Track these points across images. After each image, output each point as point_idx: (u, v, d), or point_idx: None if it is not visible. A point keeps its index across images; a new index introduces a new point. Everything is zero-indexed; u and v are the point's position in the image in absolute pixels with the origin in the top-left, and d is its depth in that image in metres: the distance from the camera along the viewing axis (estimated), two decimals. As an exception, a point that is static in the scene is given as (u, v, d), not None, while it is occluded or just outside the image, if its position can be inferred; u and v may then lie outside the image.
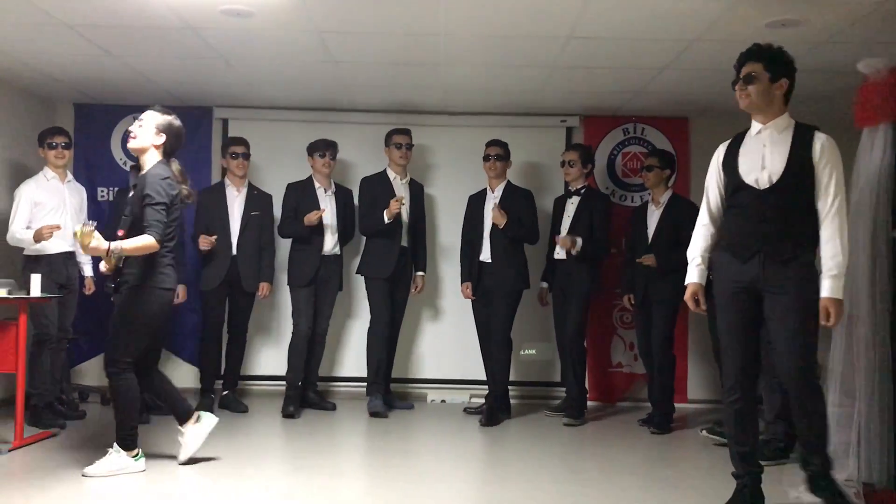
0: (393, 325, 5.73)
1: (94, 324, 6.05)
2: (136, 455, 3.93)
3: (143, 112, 6.15)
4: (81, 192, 5.39)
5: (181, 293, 5.50)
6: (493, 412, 5.39)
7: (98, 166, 6.26)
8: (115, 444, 3.89)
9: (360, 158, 6.20)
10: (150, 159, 3.98)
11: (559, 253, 5.50)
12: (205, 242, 5.38)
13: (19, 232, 4.93)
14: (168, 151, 4.02)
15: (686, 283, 3.53)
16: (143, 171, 3.93)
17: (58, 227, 4.88)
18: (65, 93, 5.96)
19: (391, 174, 5.67)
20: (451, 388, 6.26)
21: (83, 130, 6.25)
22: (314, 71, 5.18)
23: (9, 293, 4.39)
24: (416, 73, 5.17)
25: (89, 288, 5.43)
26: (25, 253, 5.02)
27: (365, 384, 5.68)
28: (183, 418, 4.11)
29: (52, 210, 5.07)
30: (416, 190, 5.82)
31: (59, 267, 5.08)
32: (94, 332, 6.07)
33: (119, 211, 5.30)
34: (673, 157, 5.66)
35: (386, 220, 5.40)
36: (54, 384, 5.13)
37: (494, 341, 5.46)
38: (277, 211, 5.75)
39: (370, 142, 6.07)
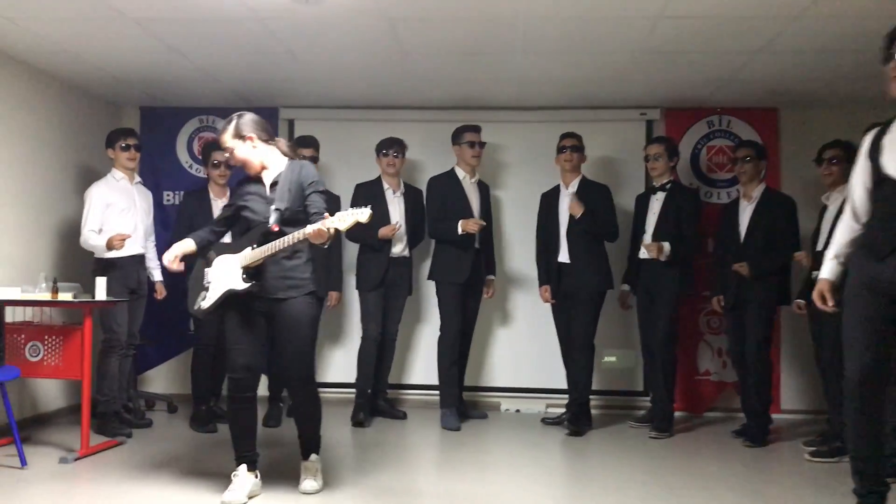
0: (465, 333, 5.47)
1: (162, 330, 5.96)
2: None
3: (208, 115, 6.29)
4: (148, 195, 5.28)
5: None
6: (578, 422, 5.08)
7: (164, 170, 6.17)
8: (313, 455, 3.68)
9: (428, 157, 5.97)
10: (271, 159, 3.61)
11: (645, 252, 5.17)
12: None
13: (92, 237, 4.82)
14: (266, 138, 3.60)
15: (819, 278, 3.24)
16: (283, 169, 3.58)
17: (128, 237, 4.77)
18: (131, 95, 5.88)
19: (460, 173, 5.42)
20: (526, 397, 5.96)
21: (149, 134, 6.15)
22: (383, 64, 4.96)
23: (74, 297, 4.28)
24: (490, 62, 4.90)
25: (160, 293, 5.30)
26: (96, 256, 4.91)
27: (436, 391, 5.42)
28: None
29: (123, 211, 4.96)
30: (484, 190, 5.56)
31: (131, 271, 4.96)
32: (162, 338, 5.98)
33: (190, 214, 5.21)
34: (764, 147, 5.27)
35: (459, 232, 5.15)
36: (121, 391, 5.01)
37: (577, 347, 5.16)
38: (346, 212, 5.54)
39: (439, 140, 5.83)
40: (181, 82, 5.46)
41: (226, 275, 3.50)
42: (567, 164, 5.26)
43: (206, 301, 3.53)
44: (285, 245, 3.35)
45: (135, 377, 5.63)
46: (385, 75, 5.23)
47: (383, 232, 5.20)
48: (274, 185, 3.56)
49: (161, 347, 6.06)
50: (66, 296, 4.25)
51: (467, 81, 5.36)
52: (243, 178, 3.73)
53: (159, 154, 6.18)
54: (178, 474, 3.92)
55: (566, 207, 5.20)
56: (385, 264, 5.32)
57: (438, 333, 5.35)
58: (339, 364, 6.02)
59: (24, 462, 3.94)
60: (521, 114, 6.01)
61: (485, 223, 5.29)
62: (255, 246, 3.44)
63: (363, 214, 3.23)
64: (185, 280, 3.73)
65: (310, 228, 3.24)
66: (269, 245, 3.39)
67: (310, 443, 3.69)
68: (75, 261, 5.22)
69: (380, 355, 5.42)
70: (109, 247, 4.72)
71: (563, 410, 5.38)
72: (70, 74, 5.30)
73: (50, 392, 5.22)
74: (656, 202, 5.21)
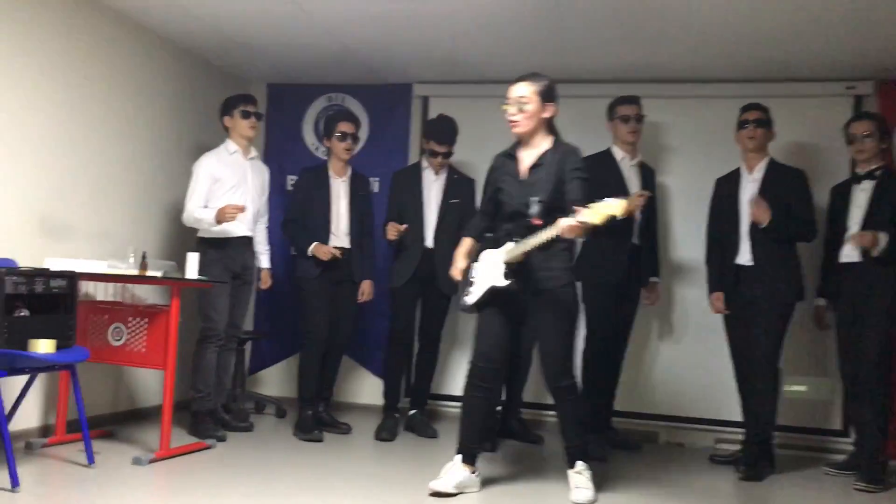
0: (618, 345, 4.58)
1: (279, 325, 5.46)
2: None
3: (337, 93, 5.76)
4: (264, 172, 4.74)
5: (367, 290, 4.71)
6: (756, 463, 4.05)
7: (289, 152, 5.67)
8: (580, 463, 3.44)
9: (577, 138, 5.04)
10: (540, 139, 3.43)
11: (849, 255, 4.09)
12: (392, 231, 4.54)
13: (197, 210, 4.31)
14: (554, 117, 3.43)
15: None
16: (546, 150, 3.41)
17: (242, 209, 4.21)
18: (259, 70, 5.45)
19: (617, 154, 4.55)
20: (689, 428, 4.96)
21: (275, 113, 5.73)
22: (529, 22, 4.21)
23: (163, 275, 3.75)
24: (660, 9, 3.99)
25: (265, 282, 4.77)
26: (199, 235, 4.41)
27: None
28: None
29: (233, 188, 4.43)
30: (647, 175, 4.65)
31: (236, 254, 4.43)
32: (278, 334, 5.47)
33: (305, 192, 4.65)
34: None
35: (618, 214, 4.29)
36: (220, 389, 4.47)
37: (757, 371, 4.14)
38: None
39: (591, 118, 4.98)
40: (307, 51, 4.95)
41: (489, 270, 3.37)
42: (750, 141, 4.28)
43: (471, 297, 3.43)
44: (539, 242, 3.18)
45: (244, 375, 5.11)
46: (531, 39, 4.46)
47: None
48: (535, 167, 3.38)
49: (276, 345, 5.55)
50: (155, 274, 3.74)
51: (631, 42, 4.49)
52: (501, 153, 3.58)
53: (285, 135, 5.72)
54: (262, 488, 3.29)
55: (748, 196, 4.22)
56: (523, 260, 4.53)
57: (584, 345, 4.48)
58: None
59: (90, 459, 3.42)
60: (693, 87, 5.07)
61: (650, 193, 4.43)
62: (517, 240, 3.29)
63: (617, 207, 2.96)
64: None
65: (563, 223, 3.05)
66: (526, 242, 3.23)
67: (574, 451, 3.45)
68: (182, 242, 4.74)
69: (514, 367, 4.62)
70: (220, 219, 4.18)
71: (737, 448, 4.38)
72: (198, 45, 4.96)
73: (152, 385, 4.75)
74: (861, 193, 4.14)
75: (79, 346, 3.44)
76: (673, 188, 5.10)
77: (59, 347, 3.25)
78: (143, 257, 3.77)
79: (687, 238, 5.00)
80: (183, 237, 4.70)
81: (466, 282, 3.50)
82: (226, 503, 3.05)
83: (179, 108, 5.03)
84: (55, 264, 3.57)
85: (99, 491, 3.11)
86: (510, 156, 3.49)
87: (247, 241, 4.52)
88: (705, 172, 4.75)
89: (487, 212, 3.60)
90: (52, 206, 3.98)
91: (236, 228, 4.39)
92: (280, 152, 5.66)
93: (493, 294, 3.36)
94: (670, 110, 5.06)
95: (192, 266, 3.83)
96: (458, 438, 3.47)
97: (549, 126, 3.45)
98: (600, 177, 4.43)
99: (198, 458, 3.76)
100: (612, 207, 2.96)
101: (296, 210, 4.67)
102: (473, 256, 3.53)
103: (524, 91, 3.36)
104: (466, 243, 3.59)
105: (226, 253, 4.37)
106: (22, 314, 3.19)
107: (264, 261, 4.73)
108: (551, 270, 3.34)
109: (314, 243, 4.50)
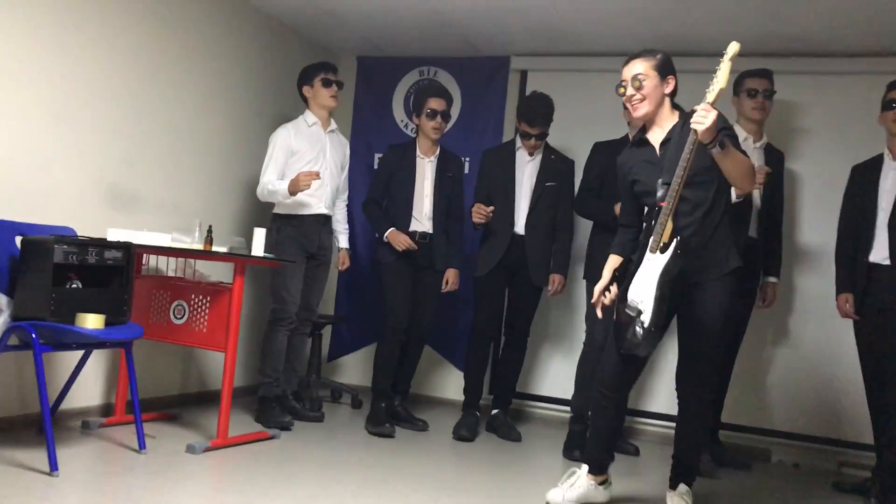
0: (728, 350, 4.06)
1: (361, 310, 5.19)
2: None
3: (430, 67, 5.41)
4: (344, 146, 4.47)
5: (451, 279, 4.35)
6: (889, 494, 3.49)
7: (377, 129, 5.38)
8: (683, 485, 3.10)
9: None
10: (665, 115, 2.99)
11: None
12: (478, 214, 4.17)
13: (272, 183, 4.06)
14: (675, 93, 3.00)
15: None
16: (675, 124, 2.96)
17: (317, 176, 3.93)
18: (350, 42, 5.17)
19: (740, 133, 4.01)
20: (808, 447, 4.39)
21: (364, 87, 5.44)
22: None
23: (230, 250, 3.50)
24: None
25: (343, 262, 4.50)
26: (275, 211, 4.18)
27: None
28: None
29: (310, 162, 4.17)
30: (774, 159, 4.11)
31: (311, 232, 4.16)
32: (359, 319, 5.20)
33: (389, 171, 4.34)
34: None
35: (734, 197, 3.76)
36: (290, 374, 4.22)
37: (892, 386, 3.55)
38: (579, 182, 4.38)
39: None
40: (399, 21, 4.66)
41: (645, 277, 2.79)
42: (896, 125, 3.69)
43: (645, 317, 2.77)
44: (681, 178, 2.70)
45: (319, 362, 4.85)
46: (648, 1, 3.99)
47: None
48: (664, 144, 2.96)
49: (356, 331, 5.29)
50: (219, 250, 3.49)
51: (760, 10, 3.97)
52: (629, 144, 3.17)
53: (373, 111, 5.43)
54: (316, 489, 2.99)
55: (890, 184, 3.64)
56: (630, 250, 4.08)
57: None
58: (559, 373, 4.82)
59: (142, 445, 3.21)
60: (829, 62, 4.46)
61: (769, 169, 3.90)
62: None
63: (728, 52, 2.70)
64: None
65: (693, 120, 2.64)
66: (666, 202, 2.74)
67: (682, 468, 3.11)
68: (258, 218, 4.48)
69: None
70: (293, 188, 3.91)
71: (867, 475, 3.80)
72: (287, 16, 4.77)
73: (222, 367, 4.51)
74: None
75: (133, 323, 3.22)
76: (802, 175, 4.52)
77: (111, 323, 3.03)
78: (209, 231, 3.52)
79: (815, 232, 4.44)
80: (259, 213, 4.47)
81: (625, 323, 2.84)
82: (284, 501, 2.76)
83: (263, 81, 4.80)
84: (117, 235, 3.38)
85: (140, 482, 2.87)
86: (640, 141, 3.04)
87: (324, 220, 4.25)
88: (841, 158, 4.20)
89: (628, 220, 3.10)
90: (119, 176, 3.80)
91: (313, 206, 4.12)
92: (368, 129, 5.39)
93: (666, 291, 2.74)
94: (803, 87, 4.49)
95: (259, 242, 3.56)
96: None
97: (672, 102, 3.02)
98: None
99: (256, 449, 3.49)
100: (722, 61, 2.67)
101: (378, 190, 4.35)
102: (622, 295, 2.90)
103: (639, 68, 2.95)
104: (611, 262, 3.07)
105: (301, 231, 4.11)
106: (73, 286, 2.99)
107: (342, 240, 4.46)
108: (710, 256, 2.89)
109: (391, 229, 4.18)
